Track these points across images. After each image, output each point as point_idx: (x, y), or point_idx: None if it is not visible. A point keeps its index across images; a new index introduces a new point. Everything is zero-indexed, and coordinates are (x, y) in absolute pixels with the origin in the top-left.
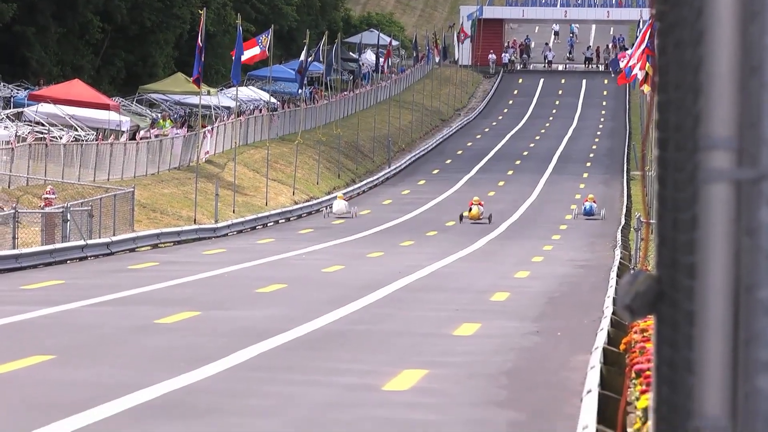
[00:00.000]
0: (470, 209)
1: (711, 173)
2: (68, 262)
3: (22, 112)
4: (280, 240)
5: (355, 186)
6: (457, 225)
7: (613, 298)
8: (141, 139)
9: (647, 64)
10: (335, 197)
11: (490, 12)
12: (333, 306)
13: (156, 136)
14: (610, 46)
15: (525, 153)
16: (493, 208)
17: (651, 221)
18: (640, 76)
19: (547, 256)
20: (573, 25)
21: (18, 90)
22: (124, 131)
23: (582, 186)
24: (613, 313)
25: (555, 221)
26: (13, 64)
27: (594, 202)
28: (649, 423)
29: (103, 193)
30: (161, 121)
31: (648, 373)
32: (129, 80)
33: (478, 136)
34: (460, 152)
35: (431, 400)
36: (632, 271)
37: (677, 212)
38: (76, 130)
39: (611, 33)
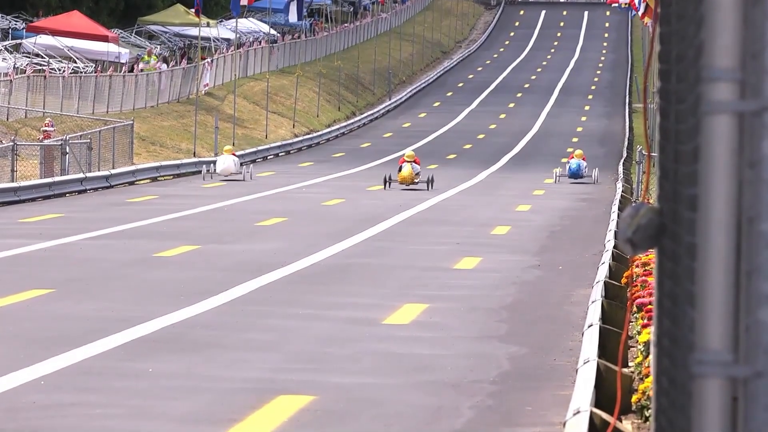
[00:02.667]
0: (400, 169)
1: (713, 105)
2: (67, 195)
3: (20, 43)
4: (281, 173)
5: (356, 119)
6: (456, 158)
7: (615, 231)
8: (140, 71)
9: None
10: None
11: None
12: (333, 240)
13: (141, 70)
14: None
15: (526, 85)
16: (495, 140)
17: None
18: (642, 8)
19: (548, 189)
20: None
21: (16, 21)
22: (123, 63)
23: (584, 119)
24: (615, 247)
25: (557, 154)
26: None
27: (583, 159)
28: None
29: (102, 126)
30: (146, 56)
31: (650, 307)
32: (128, 12)
33: (480, 69)
34: (461, 84)
35: (432, 334)
36: (634, 204)
37: (679, 144)
38: (75, 62)
39: None
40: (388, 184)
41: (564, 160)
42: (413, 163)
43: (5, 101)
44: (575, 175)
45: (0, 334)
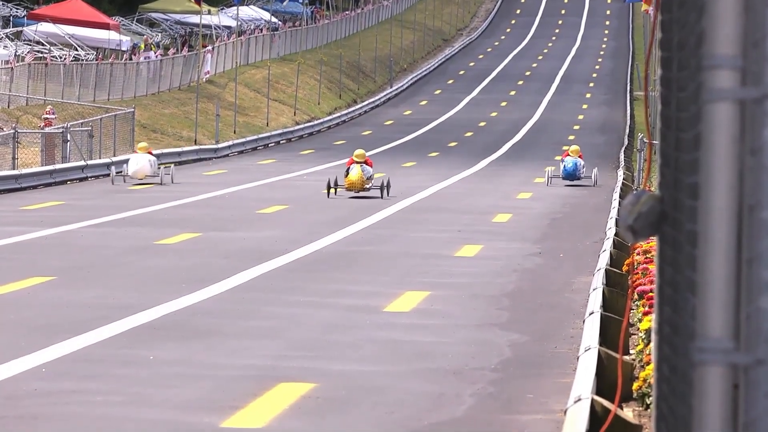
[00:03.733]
0: (347, 172)
1: (714, 92)
2: (68, 182)
3: (21, 31)
4: (282, 161)
5: (357, 106)
6: (457, 146)
7: (616, 218)
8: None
9: None
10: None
11: None
12: (334, 227)
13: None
14: None
15: (528, 73)
16: (496, 129)
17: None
18: None
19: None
20: None
21: (17, 9)
22: (124, 51)
23: (585, 107)
24: (616, 234)
25: (557, 142)
26: None
27: (580, 157)
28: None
29: (104, 114)
30: (141, 45)
31: (651, 294)
32: None
33: (481, 56)
34: (462, 72)
35: (433, 322)
36: (635, 192)
37: (680, 132)
38: (76, 49)
39: None
40: (333, 190)
41: (558, 157)
42: (364, 165)
43: (6, 89)
44: (571, 176)
45: (1, 321)
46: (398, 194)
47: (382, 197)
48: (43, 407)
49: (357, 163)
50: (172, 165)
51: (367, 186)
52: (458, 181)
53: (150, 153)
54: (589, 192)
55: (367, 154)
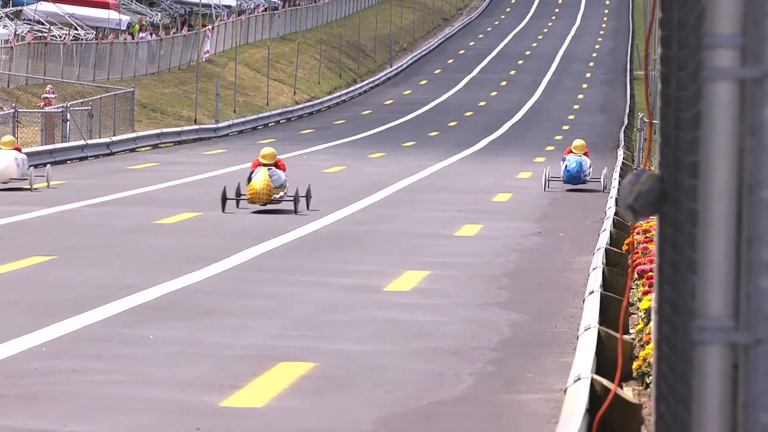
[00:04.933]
0: (249, 178)
1: (714, 71)
2: (68, 162)
3: (21, 10)
4: (281, 140)
5: (357, 86)
6: (457, 126)
7: (616, 198)
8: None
9: None
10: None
11: None
12: (334, 207)
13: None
14: None
15: (528, 53)
16: (496, 107)
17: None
18: None
19: (549, 156)
20: None
21: None
22: (123, 30)
23: (585, 86)
24: (616, 214)
25: (557, 122)
26: None
27: (586, 154)
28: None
29: (103, 93)
30: (135, 26)
31: (650, 273)
32: None
33: (481, 36)
34: (462, 52)
35: (432, 302)
36: (635, 171)
37: (680, 111)
38: (76, 29)
39: None
40: (235, 202)
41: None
42: (273, 169)
43: (6, 68)
44: (575, 178)
45: (1, 301)
46: (399, 173)
47: (296, 212)
48: (43, 386)
49: (264, 165)
50: (48, 165)
51: (277, 197)
52: (458, 161)
53: (18, 150)
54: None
55: (368, 133)
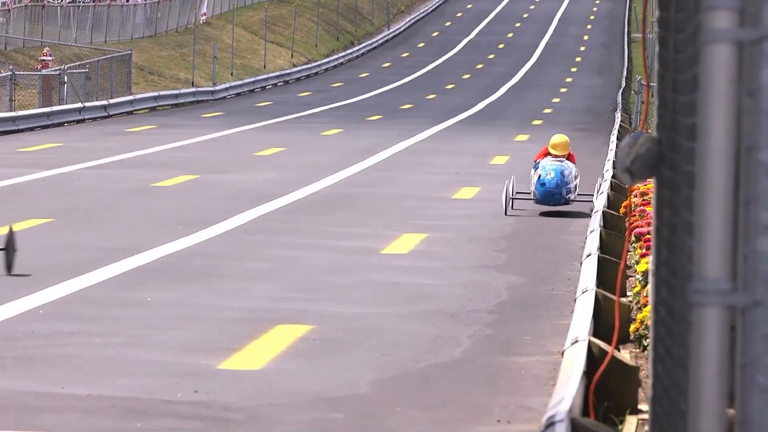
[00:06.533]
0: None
1: (712, 34)
2: (65, 124)
3: None
4: (279, 103)
5: (354, 48)
6: (455, 89)
7: (613, 161)
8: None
9: None
10: None
11: None
12: (332, 169)
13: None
14: None
15: (525, 15)
16: (493, 71)
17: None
18: None
19: (546, 119)
20: None
21: None
22: None
23: (582, 49)
24: (613, 177)
25: (555, 85)
26: None
27: (570, 158)
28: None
29: (101, 56)
30: None
31: (648, 236)
32: None
33: None
34: (459, 15)
35: (430, 264)
36: (632, 134)
37: (678, 74)
38: None
39: None
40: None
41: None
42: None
43: (3, 31)
44: (552, 196)
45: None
46: (397, 136)
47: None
48: (41, 348)
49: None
50: None
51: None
52: (456, 124)
53: None
54: (585, 134)
55: (365, 96)
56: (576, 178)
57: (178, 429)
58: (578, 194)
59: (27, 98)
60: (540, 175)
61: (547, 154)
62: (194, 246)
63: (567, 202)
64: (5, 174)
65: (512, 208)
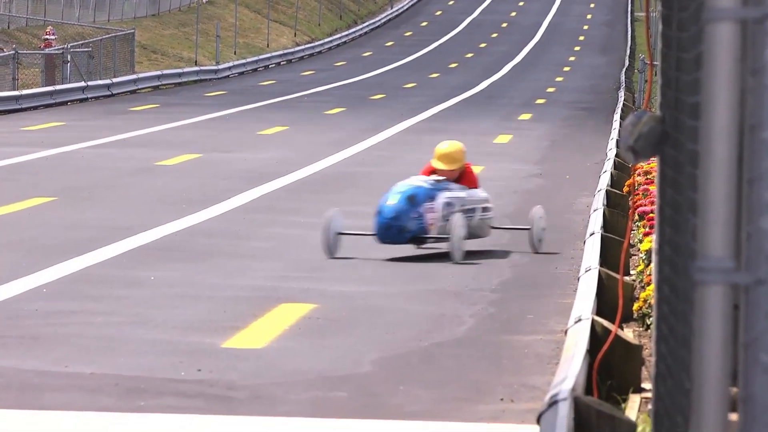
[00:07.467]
0: None
1: (715, 12)
2: (69, 103)
3: None
4: (282, 82)
5: (357, 27)
6: (458, 68)
7: (617, 140)
8: None
9: None
10: None
11: None
12: (335, 148)
13: None
14: None
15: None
16: (497, 49)
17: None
18: None
19: (549, 98)
20: None
21: None
22: None
23: (586, 27)
24: (617, 155)
25: (558, 64)
26: None
27: (468, 177)
28: (653, 265)
29: (104, 35)
30: None
31: (651, 215)
32: None
33: None
34: None
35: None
36: (635, 113)
37: (681, 52)
38: None
39: None
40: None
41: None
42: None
43: (6, 10)
44: (387, 229)
45: (2, 242)
46: (400, 115)
47: None
48: (44, 327)
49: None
50: None
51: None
52: (459, 102)
53: None
54: (588, 113)
55: (369, 74)
56: (462, 207)
57: (181, 407)
58: (492, 226)
59: (30, 77)
60: (381, 209)
61: (431, 171)
62: (197, 225)
63: (419, 239)
64: (8, 153)
65: (336, 251)
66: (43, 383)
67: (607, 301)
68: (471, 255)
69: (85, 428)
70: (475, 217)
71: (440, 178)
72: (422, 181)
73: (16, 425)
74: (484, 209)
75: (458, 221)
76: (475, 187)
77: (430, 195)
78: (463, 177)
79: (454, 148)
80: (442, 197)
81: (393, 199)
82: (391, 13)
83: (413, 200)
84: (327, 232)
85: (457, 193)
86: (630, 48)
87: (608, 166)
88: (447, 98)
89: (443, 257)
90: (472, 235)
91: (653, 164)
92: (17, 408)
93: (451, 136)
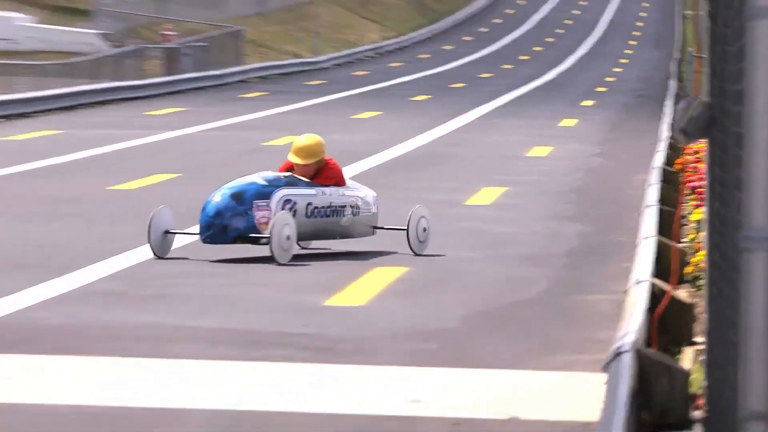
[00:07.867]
0: None
1: (756, 10)
2: (186, 91)
3: None
4: (373, 72)
5: (439, 24)
6: (529, 60)
7: (669, 123)
8: None
9: None
10: None
11: None
12: (420, 131)
13: None
14: None
15: None
16: (562, 43)
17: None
18: None
19: (609, 86)
20: None
21: None
22: None
23: (640, 24)
24: (670, 137)
25: (616, 56)
26: None
27: (330, 170)
28: (704, 234)
29: (216, 31)
30: None
31: (700, 189)
32: None
33: None
34: None
35: (509, 214)
36: (686, 98)
37: (726, 45)
38: None
39: None
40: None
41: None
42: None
43: (131, 8)
44: (208, 228)
45: (132, 212)
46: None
47: None
48: (165, 288)
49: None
50: None
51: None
52: (529, 91)
53: None
54: (643, 101)
55: (450, 66)
56: (337, 202)
57: (290, 357)
58: (376, 227)
59: (152, 68)
60: (205, 208)
61: (289, 167)
62: None
63: (247, 239)
64: (135, 135)
65: (165, 247)
66: (171, 335)
67: (662, 266)
68: (543, 224)
69: (207, 375)
70: (339, 216)
71: (288, 174)
72: (260, 178)
73: (150, 371)
74: (354, 207)
75: (280, 219)
76: (339, 184)
77: (263, 192)
78: (322, 173)
79: (311, 141)
80: (279, 194)
81: (217, 197)
82: (469, 12)
83: (239, 198)
84: (153, 230)
85: (303, 190)
86: (680, 42)
87: (662, 146)
88: (519, 87)
89: (518, 226)
90: (326, 234)
91: (702, 144)
92: (149, 356)
93: (522, 121)
